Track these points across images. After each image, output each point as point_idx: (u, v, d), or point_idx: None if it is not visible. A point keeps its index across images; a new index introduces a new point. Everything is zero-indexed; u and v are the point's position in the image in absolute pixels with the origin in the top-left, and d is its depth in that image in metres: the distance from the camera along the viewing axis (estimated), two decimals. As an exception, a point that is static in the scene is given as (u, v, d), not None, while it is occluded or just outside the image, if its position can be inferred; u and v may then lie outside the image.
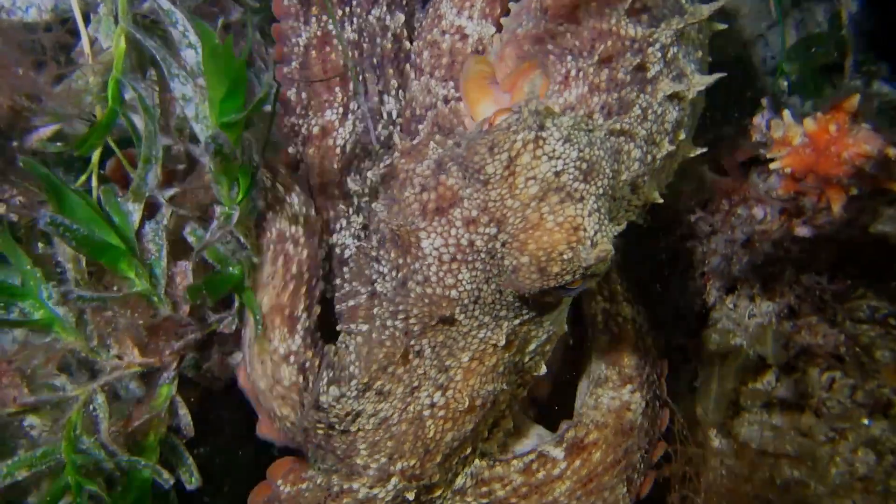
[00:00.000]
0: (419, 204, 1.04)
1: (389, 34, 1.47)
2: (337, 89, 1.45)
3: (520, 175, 0.93)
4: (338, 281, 1.45)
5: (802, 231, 1.38)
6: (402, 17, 1.48)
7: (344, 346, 1.26)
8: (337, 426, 1.21)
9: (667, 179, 1.30)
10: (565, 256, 0.92)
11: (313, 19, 1.45)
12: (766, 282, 1.58)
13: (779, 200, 1.41)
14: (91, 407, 1.35)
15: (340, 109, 1.46)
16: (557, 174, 0.93)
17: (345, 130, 1.46)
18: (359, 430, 1.19)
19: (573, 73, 1.13)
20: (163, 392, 1.43)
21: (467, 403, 1.15)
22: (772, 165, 1.25)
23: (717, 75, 1.20)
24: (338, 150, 1.47)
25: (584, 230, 0.92)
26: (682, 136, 1.20)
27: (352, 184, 1.48)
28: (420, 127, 1.35)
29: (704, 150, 1.31)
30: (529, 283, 0.96)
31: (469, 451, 1.26)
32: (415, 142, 1.28)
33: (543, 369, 1.26)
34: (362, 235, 1.48)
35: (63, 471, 1.27)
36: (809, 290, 1.51)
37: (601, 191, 0.95)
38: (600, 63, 1.11)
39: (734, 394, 1.56)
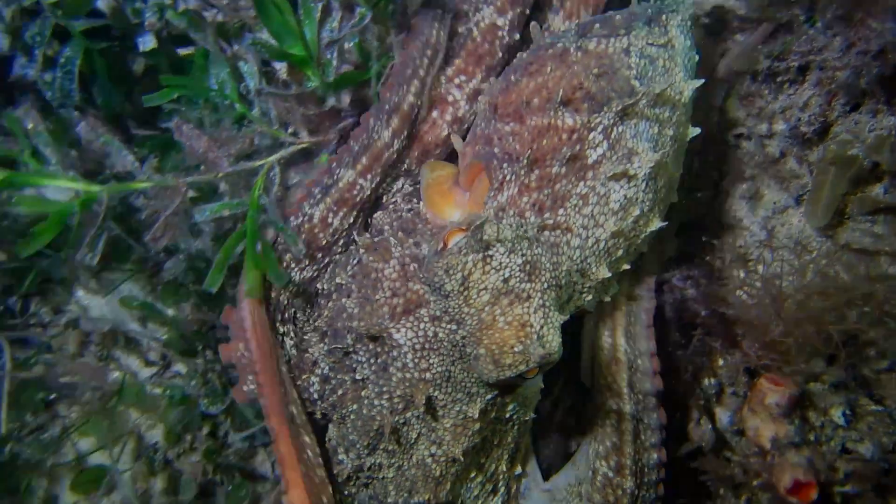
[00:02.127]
0: (388, 308, 1.21)
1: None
2: None
3: (472, 289, 1.07)
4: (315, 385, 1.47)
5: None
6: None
7: (342, 424, 1.40)
8: (364, 477, 1.41)
9: (636, 251, 1.31)
10: (516, 349, 1.04)
11: None
12: (892, 97, 1.64)
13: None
14: (271, 174, 1.64)
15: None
16: (505, 280, 1.05)
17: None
18: (384, 476, 1.39)
19: (507, 177, 1.21)
20: (322, 159, 1.67)
21: (460, 453, 1.30)
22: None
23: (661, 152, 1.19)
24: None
25: (531, 326, 1.04)
26: (636, 212, 1.21)
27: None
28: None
29: (664, 224, 1.28)
30: (487, 372, 1.09)
31: (474, 474, 1.43)
32: (377, 239, 1.35)
33: (531, 415, 1.40)
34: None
35: (245, 218, 1.46)
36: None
37: (545, 285, 1.06)
38: (531, 164, 1.18)
39: (842, 201, 1.68)
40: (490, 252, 1.05)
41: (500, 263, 1.06)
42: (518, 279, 1.05)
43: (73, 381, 1.82)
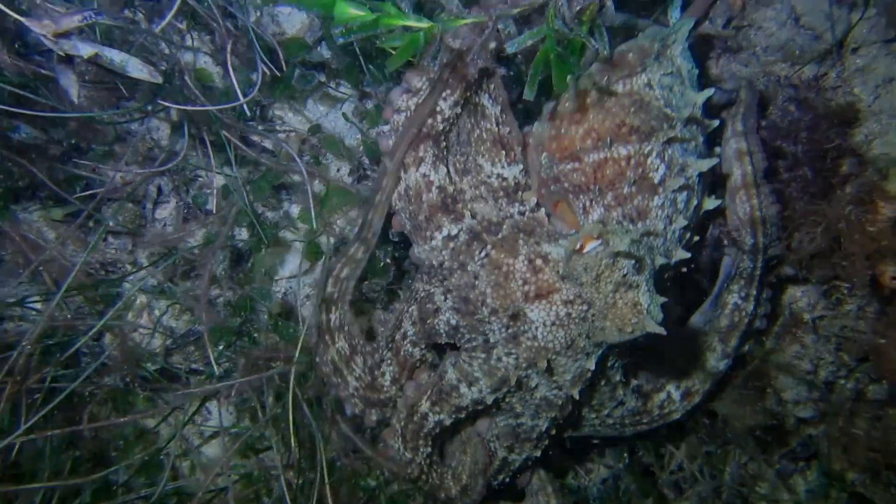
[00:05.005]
0: (521, 293, 1.56)
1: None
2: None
3: (602, 281, 1.43)
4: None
5: None
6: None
7: (463, 362, 1.70)
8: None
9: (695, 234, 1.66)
10: (633, 321, 1.41)
11: None
12: None
13: None
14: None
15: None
16: (624, 276, 1.41)
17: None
18: (507, 400, 1.75)
19: (587, 204, 1.55)
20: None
21: (577, 394, 1.67)
22: None
23: (713, 160, 1.52)
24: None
25: (642, 304, 1.40)
26: (695, 203, 1.56)
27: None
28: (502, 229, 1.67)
29: (719, 202, 1.62)
30: (612, 337, 1.45)
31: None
32: (499, 236, 1.64)
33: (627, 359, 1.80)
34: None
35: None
36: None
37: (648, 275, 1.42)
38: (603, 190, 1.51)
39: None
40: (616, 258, 1.40)
41: (622, 264, 1.41)
42: (631, 273, 1.41)
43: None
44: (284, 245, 2.00)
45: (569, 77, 1.49)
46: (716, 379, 1.92)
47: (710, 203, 1.60)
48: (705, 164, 1.51)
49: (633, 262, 1.40)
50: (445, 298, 1.67)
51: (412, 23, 1.48)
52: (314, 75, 1.89)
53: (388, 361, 1.79)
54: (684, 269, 1.69)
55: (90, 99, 1.75)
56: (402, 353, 1.78)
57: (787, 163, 1.80)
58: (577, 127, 1.51)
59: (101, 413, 1.87)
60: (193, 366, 1.95)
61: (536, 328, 1.57)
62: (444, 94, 1.62)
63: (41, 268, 1.78)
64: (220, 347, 1.89)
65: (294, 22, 1.84)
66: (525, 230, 1.63)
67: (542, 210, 1.66)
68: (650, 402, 1.93)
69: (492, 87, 1.66)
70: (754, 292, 1.82)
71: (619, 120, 1.47)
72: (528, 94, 1.48)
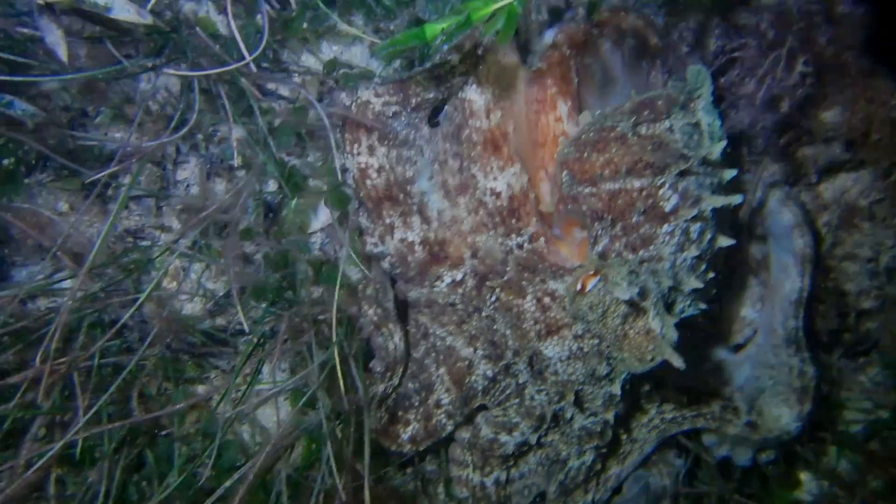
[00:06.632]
0: (534, 332, 1.64)
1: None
2: None
3: (609, 316, 1.45)
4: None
5: None
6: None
7: (494, 417, 1.77)
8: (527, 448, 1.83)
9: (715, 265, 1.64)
10: (650, 348, 1.41)
11: None
12: None
13: None
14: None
15: None
16: (631, 305, 1.42)
17: None
18: (551, 440, 1.82)
19: (599, 232, 1.58)
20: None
21: (612, 418, 1.76)
22: None
23: (732, 197, 1.52)
24: None
25: (654, 329, 1.40)
26: (709, 235, 1.55)
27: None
28: (506, 269, 1.72)
29: (733, 241, 1.60)
30: (634, 367, 1.46)
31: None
32: (505, 278, 1.69)
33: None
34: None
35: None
36: None
37: (655, 299, 1.42)
38: (614, 220, 1.54)
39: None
40: (619, 294, 1.39)
41: (629, 299, 1.41)
42: (637, 301, 1.42)
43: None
44: (316, 194, 1.91)
45: (596, 114, 1.63)
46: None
47: (724, 241, 1.60)
48: (720, 201, 1.52)
49: (636, 290, 1.40)
50: (475, 350, 1.70)
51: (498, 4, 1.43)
52: (328, 14, 1.78)
53: (413, 420, 1.79)
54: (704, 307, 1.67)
55: (92, 59, 1.65)
56: (433, 423, 1.77)
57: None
58: (599, 155, 1.55)
59: (151, 384, 1.82)
60: (238, 328, 1.88)
61: (555, 364, 1.64)
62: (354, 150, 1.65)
63: (62, 244, 1.69)
64: (264, 305, 1.83)
65: (297, -48, 1.72)
66: (528, 267, 1.68)
67: (542, 240, 1.70)
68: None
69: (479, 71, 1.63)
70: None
71: (638, 157, 1.51)
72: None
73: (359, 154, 1.67)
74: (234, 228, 1.73)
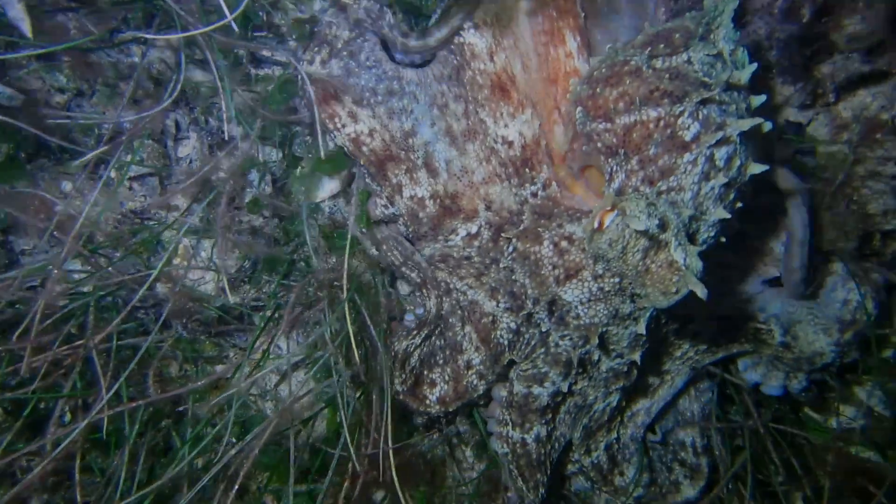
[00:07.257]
0: (553, 278, 1.60)
1: None
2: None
3: (629, 252, 1.38)
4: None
5: None
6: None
7: (522, 371, 1.75)
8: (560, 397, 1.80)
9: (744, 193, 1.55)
10: (675, 280, 1.34)
11: None
12: None
13: None
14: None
15: None
16: (651, 239, 1.36)
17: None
18: (581, 387, 1.81)
19: (614, 169, 1.52)
20: None
21: (637, 358, 1.73)
22: None
23: (759, 120, 1.44)
24: None
25: (677, 262, 1.34)
26: (738, 162, 1.47)
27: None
28: (522, 218, 1.68)
29: (766, 167, 1.51)
30: (660, 302, 1.38)
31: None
32: (521, 228, 1.66)
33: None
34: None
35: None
36: None
37: (676, 230, 1.35)
38: (629, 156, 1.48)
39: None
40: (637, 226, 1.34)
41: (646, 231, 1.35)
42: (657, 233, 1.36)
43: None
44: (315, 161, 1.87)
45: (608, 47, 1.56)
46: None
47: (756, 168, 1.51)
48: (746, 124, 1.43)
49: (656, 222, 1.35)
50: (497, 304, 1.68)
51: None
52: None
53: (439, 380, 1.76)
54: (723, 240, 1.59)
55: (80, 30, 1.61)
56: (463, 384, 1.74)
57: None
58: (612, 90, 1.49)
59: (171, 366, 1.79)
60: (253, 303, 1.85)
61: (576, 307, 1.61)
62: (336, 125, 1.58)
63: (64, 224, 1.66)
64: (277, 278, 1.80)
65: None
66: (543, 214, 1.65)
67: (554, 185, 1.67)
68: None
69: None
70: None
71: (654, 86, 1.44)
72: None
73: (343, 126, 1.61)
74: (222, 198, 1.68)
